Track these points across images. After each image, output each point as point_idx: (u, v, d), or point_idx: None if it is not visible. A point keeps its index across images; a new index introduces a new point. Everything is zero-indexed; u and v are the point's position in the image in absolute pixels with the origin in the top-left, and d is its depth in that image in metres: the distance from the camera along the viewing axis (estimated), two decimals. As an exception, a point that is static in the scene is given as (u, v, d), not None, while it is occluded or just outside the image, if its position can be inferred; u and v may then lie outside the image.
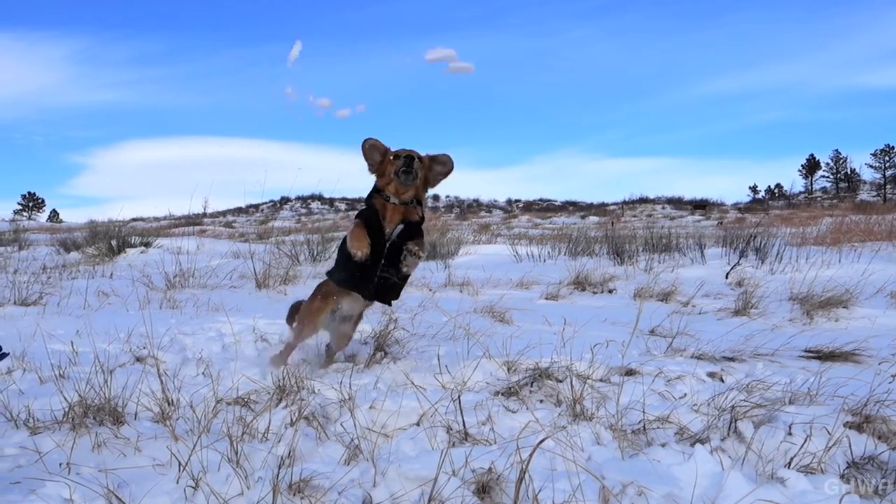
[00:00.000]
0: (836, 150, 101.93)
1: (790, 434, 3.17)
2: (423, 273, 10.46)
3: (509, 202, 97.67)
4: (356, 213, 4.45)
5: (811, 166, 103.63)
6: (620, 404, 3.70)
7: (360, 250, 4.06)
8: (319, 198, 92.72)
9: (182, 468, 2.61)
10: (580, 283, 9.17)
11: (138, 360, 4.68)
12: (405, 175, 4.15)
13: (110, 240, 13.55)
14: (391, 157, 4.26)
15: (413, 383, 4.13)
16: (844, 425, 3.26)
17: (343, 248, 4.36)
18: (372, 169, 4.40)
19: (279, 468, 2.44)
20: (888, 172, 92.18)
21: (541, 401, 3.91)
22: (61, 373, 4.04)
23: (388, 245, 4.20)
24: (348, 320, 4.70)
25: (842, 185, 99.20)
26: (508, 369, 4.60)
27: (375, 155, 4.35)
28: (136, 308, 6.72)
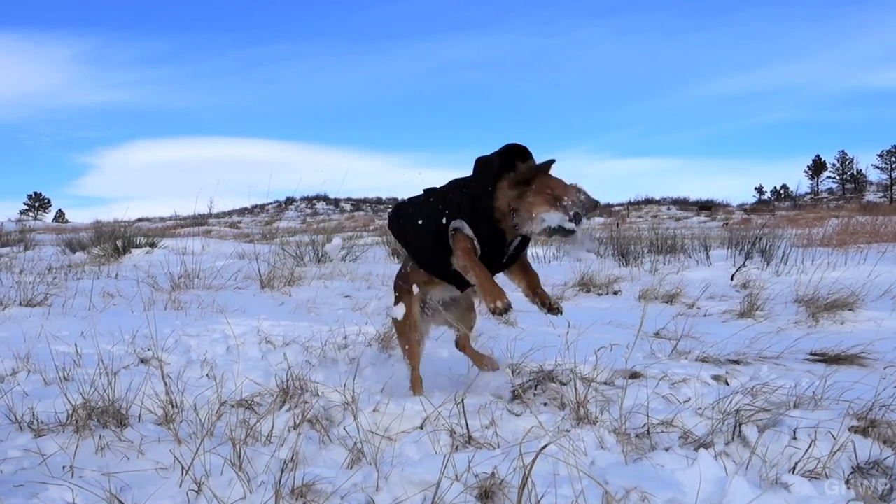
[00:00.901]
0: (843, 151, 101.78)
1: (795, 438, 3.16)
2: (427, 274, 10.44)
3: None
4: (454, 220, 3.58)
5: (817, 167, 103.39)
6: (624, 408, 3.69)
7: (498, 302, 3.36)
8: (325, 198, 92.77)
9: (185, 472, 2.61)
10: (585, 285, 9.15)
11: (143, 361, 4.69)
12: (572, 223, 3.29)
13: (116, 240, 13.58)
14: (557, 188, 3.36)
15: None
16: (850, 430, 3.24)
17: (427, 237, 3.68)
18: (512, 184, 3.42)
19: (282, 472, 2.43)
20: (895, 173, 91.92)
21: (545, 404, 3.91)
22: (65, 375, 4.05)
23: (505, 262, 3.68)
24: (458, 300, 4.16)
25: (848, 185, 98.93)
26: (513, 372, 4.60)
27: (525, 171, 3.41)
28: (140, 309, 6.72)
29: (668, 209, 61.60)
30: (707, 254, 12.19)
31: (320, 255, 12.52)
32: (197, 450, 2.68)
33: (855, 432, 3.24)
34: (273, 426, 3.27)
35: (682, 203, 69.82)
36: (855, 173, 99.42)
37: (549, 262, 12.91)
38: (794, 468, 2.93)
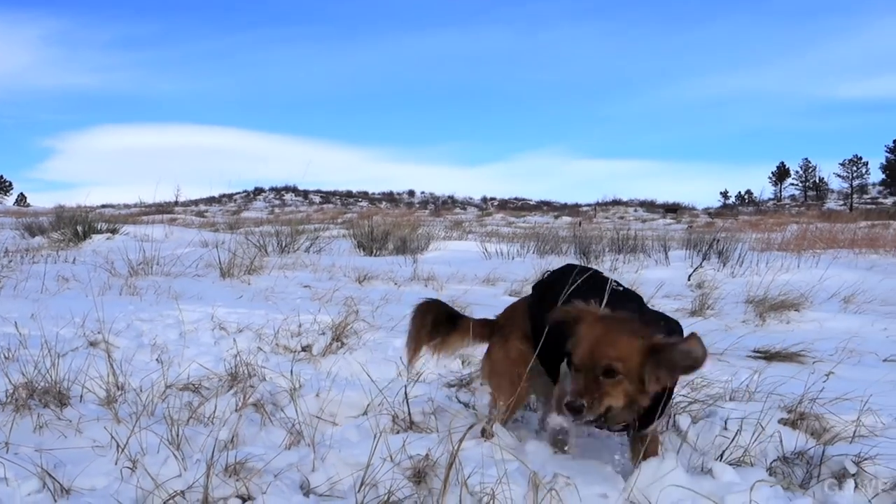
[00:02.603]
0: (806, 159, 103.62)
1: (726, 429, 3.26)
2: (389, 267, 10.49)
3: (484, 200, 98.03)
4: None
5: (781, 174, 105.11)
6: (566, 398, 3.77)
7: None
8: (294, 189, 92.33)
9: (121, 450, 2.63)
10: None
11: (91, 344, 4.66)
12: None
13: (76, 225, 13.41)
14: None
15: (366, 373, 4.18)
16: (779, 422, 3.36)
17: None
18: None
19: (214, 450, 2.46)
20: (855, 182, 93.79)
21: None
22: (8, 355, 4.03)
23: None
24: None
25: (810, 193, 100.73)
26: (462, 362, 4.66)
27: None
28: (95, 293, 6.67)
29: (636, 211, 62.26)
30: (666, 254, 12.38)
31: (284, 245, 12.51)
32: (133, 428, 2.70)
33: (784, 424, 3.36)
34: (216, 408, 3.29)
35: (649, 205, 70.65)
36: (817, 181, 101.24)
37: (513, 258, 13.01)
38: (721, 456, 3.03)
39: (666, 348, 2.45)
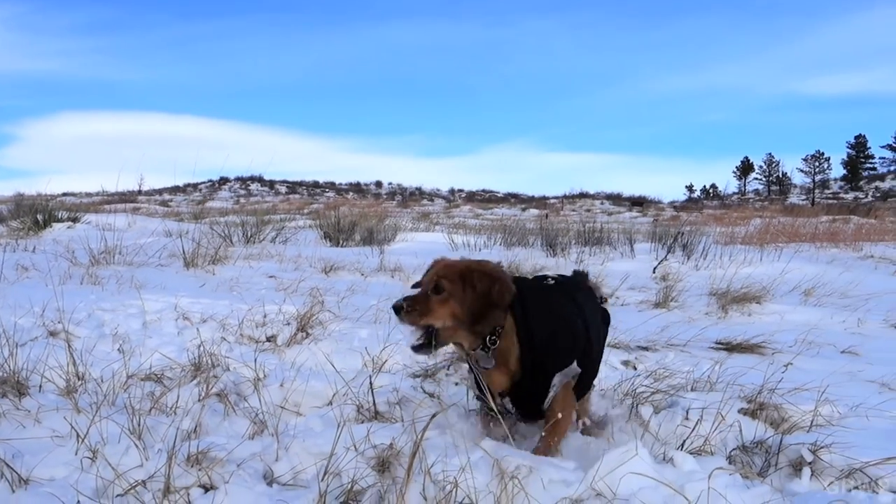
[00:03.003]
0: (770, 154, 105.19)
1: (687, 418, 3.31)
2: (356, 258, 10.46)
3: (452, 192, 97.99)
4: None
5: (745, 168, 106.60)
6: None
7: None
8: (260, 179, 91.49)
9: (81, 440, 2.59)
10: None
11: (51, 334, 4.59)
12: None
13: (36, 213, 13.13)
14: None
15: (331, 364, 4.17)
16: (739, 412, 3.42)
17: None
18: None
19: (176, 440, 2.44)
20: (817, 177, 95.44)
21: (456, 384, 3.99)
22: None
23: None
24: None
25: (773, 187, 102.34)
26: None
27: None
28: (55, 283, 6.56)
29: (602, 204, 62.72)
30: (632, 247, 12.50)
31: (249, 235, 12.39)
32: (93, 418, 2.66)
33: (744, 414, 3.42)
34: (178, 398, 3.26)
35: (615, 198, 71.15)
36: (780, 176, 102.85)
37: (480, 250, 13.04)
38: (682, 445, 3.08)
39: (474, 270, 2.88)
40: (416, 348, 2.88)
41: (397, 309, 2.83)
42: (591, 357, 3.11)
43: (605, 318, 3.37)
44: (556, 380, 2.90)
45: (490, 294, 2.83)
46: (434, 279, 2.89)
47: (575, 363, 2.97)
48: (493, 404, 2.92)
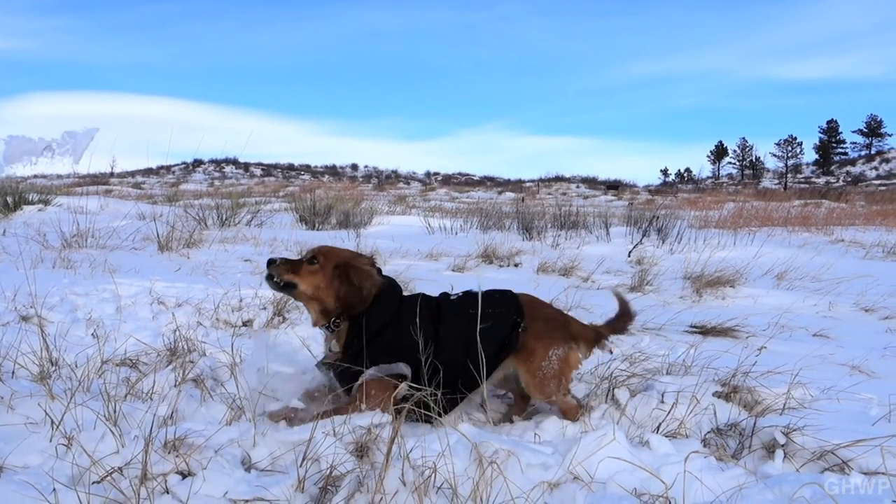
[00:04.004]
0: (743, 138, 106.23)
1: (662, 402, 3.35)
2: (332, 241, 10.39)
3: (428, 175, 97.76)
4: None
5: (719, 152, 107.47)
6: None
7: None
8: (234, 162, 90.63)
9: (55, 426, 2.57)
10: (488, 257, 9.31)
11: (24, 319, 4.53)
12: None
13: (6, 196, 12.91)
14: None
15: (307, 348, 4.16)
16: (714, 395, 3.46)
17: None
18: None
19: (152, 426, 2.42)
20: (790, 162, 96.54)
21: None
22: (-65, 330, 3.88)
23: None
24: None
25: (747, 171, 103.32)
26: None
27: None
28: (26, 267, 6.46)
29: (578, 187, 62.85)
30: (607, 230, 12.56)
31: (224, 218, 12.28)
32: (68, 404, 2.63)
33: (718, 397, 3.46)
34: (154, 384, 3.24)
35: (590, 182, 71.43)
36: (754, 160, 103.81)
37: (456, 233, 13.04)
38: (658, 428, 3.12)
39: (350, 263, 3.25)
40: (269, 277, 3.26)
41: (271, 261, 3.27)
42: (446, 364, 3.14)
43: (506, 342, 3.29)
44: (371, 371, 3.09)
45: (357, 288, 3.17)
46: (313, 253, 3.31)
47: (402, 365, 3.12)
48: (322, 370, 3.30)
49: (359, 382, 3.09)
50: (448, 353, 3.17)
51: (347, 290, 3.18)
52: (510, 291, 3.52)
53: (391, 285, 3.37)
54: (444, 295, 3.52)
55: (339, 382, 3.23)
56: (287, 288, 3.28)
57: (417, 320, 3.13)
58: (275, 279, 3.25)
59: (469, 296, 3.41)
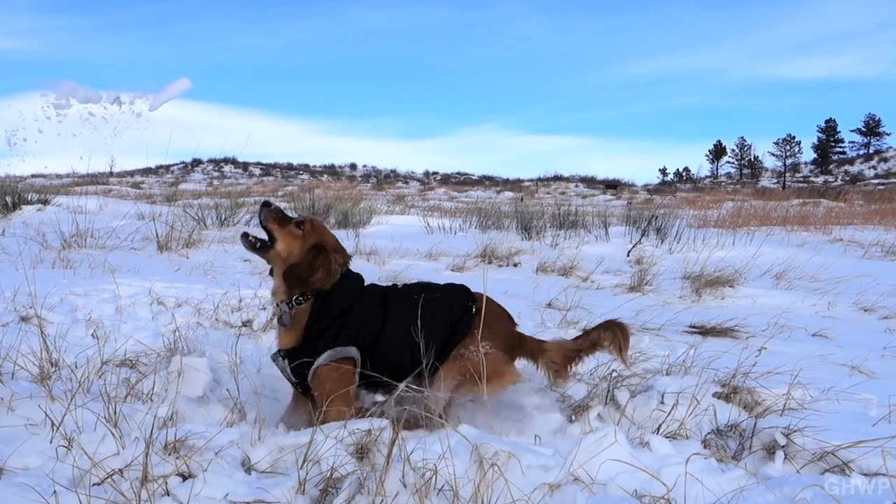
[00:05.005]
0: (742, 138, 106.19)
1: (662, 402, 3.35)
2: (331, 241, 10.39)
3: (427, 174, 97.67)
4: None
5: (718, 152, 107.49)
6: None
7: None
8: (233, 161, 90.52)
9: (56, 428, 2.57)
10: (487, 256, 9.31)
11: (23, 319, 4.54)
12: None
13: (5, 196, 12.90)
14: None
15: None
16: (714, 395, 3.46)
17: None
18: None
19: (153, 428, 2.42)
20: (788, 161, 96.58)
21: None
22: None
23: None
24: None
25: (745, 171, 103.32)
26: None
27: None
28: (26, 267, 6.45)
29: (576, 187, 62.79)
30: (606, 230, 12.56)
31: (223, 218, 12.27)
32: (68, 406, 2.63)
33: (718, 398, 3.46)
34: (154, 384, 3.24)
35: (589, 181, 71.31)
36: (752, 159, 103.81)
37: (455, 233, 13.03)
38: (658, 429, 3.12)
39: (333, 245, 3.29)
40: (245, 235, 3.27)
41: (267, 203, 3.32)
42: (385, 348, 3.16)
43: (455, 329, 3.26)
44: (322, 359, 3.05)
45: (325, 264, 3.15)
46: (304, 219, 3.30)
47: (353, 349, 3.10)
48: (279, 362, 3.18)
49: (313, 368, 3.05)
50: (403, 329, 3.16)
51: (305, 269, 3.14)
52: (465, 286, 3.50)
53: (356, 276, 3.38)
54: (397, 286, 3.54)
55: (292, 374, 3.16)
56: (262, 249, 3.26)
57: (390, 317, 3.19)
58: (250, 238, 3.25)
59: (423, 284, 3.48)
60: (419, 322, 3.10)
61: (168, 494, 2.27)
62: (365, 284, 3.38)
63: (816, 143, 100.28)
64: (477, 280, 7.62)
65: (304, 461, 2.38)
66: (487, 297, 3.35)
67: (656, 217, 12.52)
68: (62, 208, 12.71)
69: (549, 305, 6.16)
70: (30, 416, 2.73)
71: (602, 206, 27.74)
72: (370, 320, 3.18)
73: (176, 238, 8.71)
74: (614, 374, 3.60)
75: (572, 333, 5.00)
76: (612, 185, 62.07)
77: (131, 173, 69.87)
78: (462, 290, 3.41)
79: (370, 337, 3.14)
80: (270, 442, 2.59)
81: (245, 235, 3.27)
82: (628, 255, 10.11)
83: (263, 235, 3.29)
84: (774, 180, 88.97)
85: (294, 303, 3.17)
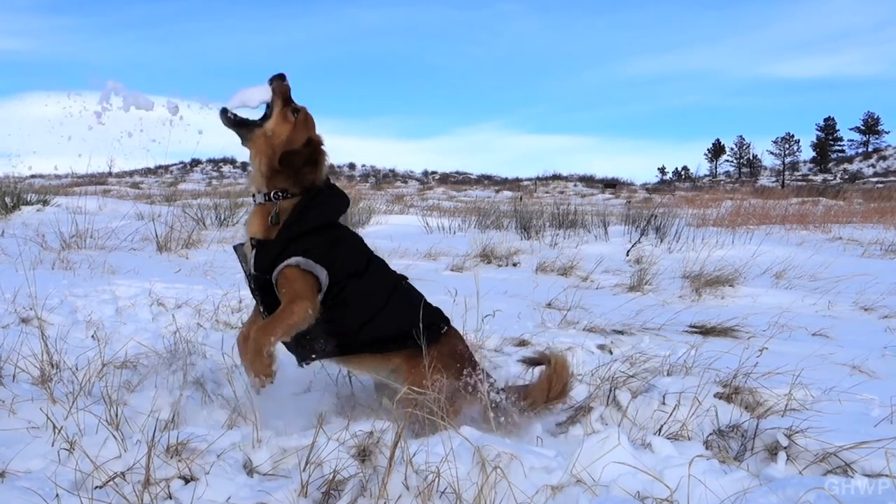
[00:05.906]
0: (741, 136, 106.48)
1: (664, 403, 3.35)
2: (331, 241, 10.39)
3: (426, 174, 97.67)
4: None
5: (716, 151, 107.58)
6: (510, 374, 3.82)
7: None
8: (232, 161, 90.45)
9: (57, 431, 2.56)
10: (486, 256, 9.31)
11: (24, 321, 4.52)
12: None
13: (4, 196, 12.88)
14: None
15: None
16: (715, 396, 3.46)
17: None
18: None
19: (154, 431, 2.42)
20: (787, 159, 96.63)
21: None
22: (-67, 333, 3.87)
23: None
24: None
25: (744, 169, 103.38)
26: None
27: None
28: (25, 268, 6.44)
29: (575, 186, 62.85)
30: (605, 230, 12.56)
31: (223, 218, 12.27)
32: (70, 409, 2.63)
33: (720, 398, 3.46)
34: (156, 387, 3.23)
35: (588, 180, 71.35)
36: (751, 158, 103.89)
37: (455, 233, 13.03)
38: (659, 430, 3.11)
39: (321, 146, 3.15)
40: (224, 111, 3.07)
41: (283, 75, 3.14)
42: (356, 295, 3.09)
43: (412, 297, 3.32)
44: (293, 259, 2.93)
45: (320, 159, 3.11)
46: (300, 108, 3.17)
47: (324, 270, 2.97)
48: (245, 252, 3.10)
49: (283, 265, 2.93)
50: (382, 288, 3.18)
51: (299, 158, 3.04)
52: None
53: (343, 192, 3.31)
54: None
55: (255, 263, 3.03)
56: (244, 125, 3.11)
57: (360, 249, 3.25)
58: (229, 114, 3.07)
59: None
60: (398, 297, 3.15)
61: (170, 498, 2.27)
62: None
63: (815, 141, 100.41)
64: (474, 280, 7.62)
65: (306, 463, 2.38)
66: (461, 337, 3.35)
67: (655, 216, 12.53)
68: (62, 209, 12.69)
69: (549, 305, 6.15)
70: (31, 418, 2.73)
71: (601, 206, 27.76)
72: (355, 260, 3.12)
73: (175, 238, 8.71)
74: (615, 376, 3.60)
75: (573, 333, 5.01)
76: (611, 185, 62.13)
77: (130, 173, 69.86)
78: (441, 313, 3.36)
79: (348, 274, 3.04)
80: (272, 444, 2.59)
81: (224, 111, 3.06)
82: (628, 255, 10.11)
83: None
84: (773, 179, 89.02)
85: (273, 197, 3.08)
